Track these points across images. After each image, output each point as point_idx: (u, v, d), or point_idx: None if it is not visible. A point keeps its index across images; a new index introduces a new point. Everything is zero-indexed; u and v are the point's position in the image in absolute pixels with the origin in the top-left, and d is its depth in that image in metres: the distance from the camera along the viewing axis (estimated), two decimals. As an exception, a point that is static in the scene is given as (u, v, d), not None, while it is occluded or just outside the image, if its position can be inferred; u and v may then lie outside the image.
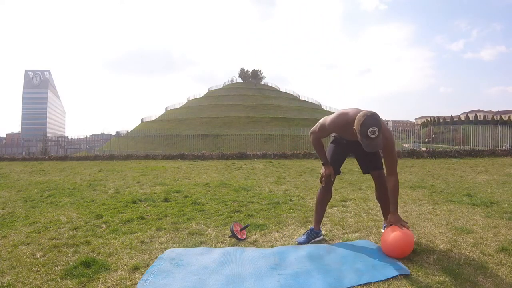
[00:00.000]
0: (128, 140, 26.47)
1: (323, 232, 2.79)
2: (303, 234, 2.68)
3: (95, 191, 5.18)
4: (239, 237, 2.68)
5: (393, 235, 2.26)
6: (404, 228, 2.29)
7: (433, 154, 11.40)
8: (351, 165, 8.63)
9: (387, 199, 2.68)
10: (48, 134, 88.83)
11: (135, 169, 8.72)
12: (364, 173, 2.77)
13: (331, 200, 3.97)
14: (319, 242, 2.61)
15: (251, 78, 61.47)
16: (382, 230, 2.78)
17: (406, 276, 1.95)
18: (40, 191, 5.24)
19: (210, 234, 2.85)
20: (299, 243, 2.57)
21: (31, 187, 5.73)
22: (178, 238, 2.77)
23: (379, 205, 3.82)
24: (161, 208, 3.84)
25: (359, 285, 1.90)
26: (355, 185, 5.26)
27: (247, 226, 2.86)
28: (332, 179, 2.67)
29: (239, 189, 4.98)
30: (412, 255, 2.26)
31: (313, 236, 2.63)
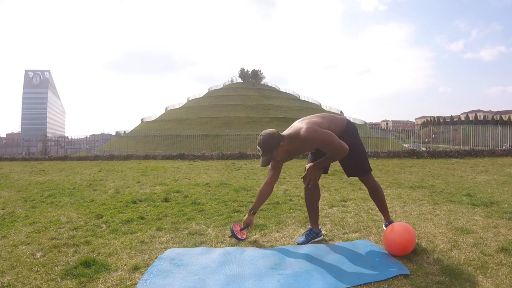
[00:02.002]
0: (128, 140, 26.48)
1: (323, 232, 2.79)
2: (303, 235, 2.67)
3: (95, 191, 5.18)
4: (239, 237, 2.67)
5: (395, 231, 2.28)
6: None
7: (433, 154, 11.41)
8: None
9: (380, 200, 2.70)
10: (48, 134, 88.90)
11: (135, 169, 8.72)
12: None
13: (331, 200, 3.98)
14: (319, 242, 2.61)
15: (251, 78, 61.51)
16: (384, 228, 2.78)
17: (406, 276, 1.95)
18: (40, 191, 5.24)
19: (210, 234, 2.85)
20: (299, 244, 2.57)
21: (31, 187, 5.73)
22: (178, 238, 2.77)
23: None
24: (161, 208, 3.84)
25: (359, 285, 1.90)
26: (355, 185, 5.26)
27: (247, 226, 2.86)
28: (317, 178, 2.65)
29: (239, 189, 4.98)
30: (412, 255, 2.26)
31: (312, 236, 2.63)
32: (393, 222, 2.66)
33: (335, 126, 2.48)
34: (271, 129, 2.46)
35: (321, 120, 2.49)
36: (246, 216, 2.69)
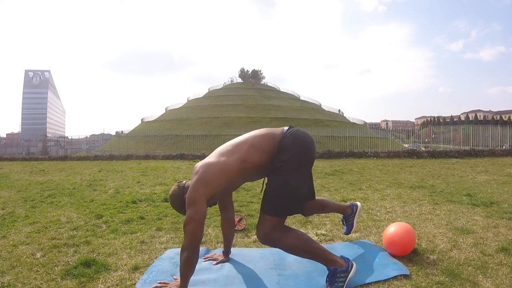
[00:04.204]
0: (128, 140, 26.46)
1: (323, 232, 2.79)
2: (344, 226, 2.66)
3: (95, 191, 5.18)
4: (239, 228, 2.84)
5: (395, 231, 2.28)
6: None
7: (433, 154, 11.40)
8: (351, 165, 8.62)
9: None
10: (48, 134, 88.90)
11: (135, 169, 8.71)
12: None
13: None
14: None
15: (251, 78, 61.47)
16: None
17: (406, 276, 1.95)
18: (40, 191, 5.24)
19: (210, 234, 2.85)
20: (346, 234, 2.62)
21: (31, 187, 5.73)
22: (178, 238, 2.77)
23: (379, 204, 3.83)
24: (161, 208, 3.84)
25: (359, 285, 1.90)
26: (355, 185, 5.26)
27: (242, 219, 2.97)
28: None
29: (239, 189, 4.98)
30: (412, 255, 2.26)
31: (349, 219, 2.59)
32: None
33: (260, 152, 1.87)
34: (174, 187, 2.05)
35: (230, 152, 1.90)
36: None
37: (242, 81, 60.40)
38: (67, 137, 44.14)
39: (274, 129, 1.99)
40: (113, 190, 5.22)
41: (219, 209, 2.28)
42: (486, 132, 16.13)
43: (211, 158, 1.93)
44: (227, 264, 2.21)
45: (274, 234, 1.84)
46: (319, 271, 2.09)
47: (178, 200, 1.98)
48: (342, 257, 1.91)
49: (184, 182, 2.06)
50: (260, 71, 65.36)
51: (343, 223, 2.66)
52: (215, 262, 2.25)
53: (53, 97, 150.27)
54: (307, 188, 1.98)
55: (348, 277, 1.84)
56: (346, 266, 1.85)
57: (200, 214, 1.77)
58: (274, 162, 1.87)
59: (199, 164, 1.95)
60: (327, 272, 1.85)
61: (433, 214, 3.34)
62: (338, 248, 2.46)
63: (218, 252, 2.41)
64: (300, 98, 49.71)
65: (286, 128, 1.97)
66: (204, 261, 2.29)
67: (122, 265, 2.20)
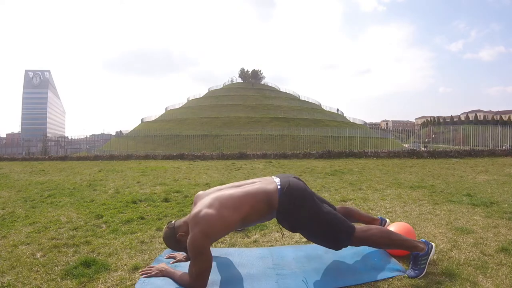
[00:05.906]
0: (128, 140, 26.48)
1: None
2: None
3: (95, 191, 5.18)
4: (240, 228, 2.78)
5: (395, 231, 2.27)
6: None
7: (433, 154, 11.40)
8: (351, 165, 8.62)
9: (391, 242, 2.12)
10: (48, 134, 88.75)
11: (135, 169, 8.71)
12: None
13: (331, 200, 3.98)
14: None
15: (251, 78, 61.45)
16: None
17: (406, 276, 1.95)
18: (40, 191, 5.24)
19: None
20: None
21: (31, 187, 5.73)
22: (178, 238, 2.76)
23: (379, 204, 3.83)
24: (161, 208, 3.84)
25: (359, 284, 1.90)
26: (355, 185, 5.26)
27: None
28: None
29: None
30: (412, 255, 2.25)
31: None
32: (431, 244, 2.09)
33: (258, 214, 2.01)
34: (165, 228, 2.10)
35: (232, 208, 1.94)
36: None
37: (242, 81, 60.40)
38: (67, 137, 44.17)
39: (267, 188, 2.03)
40: (113, 190, 5.22)
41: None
42: (486, 132, 16.15)
43: (212, 208, 1.92)
44: (226, 264, 2.21)
45: (358, 243, 2.12)
46: (318, 270, 2.09)
47: (172, 241, 2.06)
48: (421, 240, 2.08)
49: (173, 222, 2.11)
50: (260, 71, 65.38)
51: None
52: (172, 261, 2.28)
53: (53, 97, 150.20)
54: (328, 208, 2.12)
55: (429, 258, 2.01)
56: (426, 249, 2.02)
57: (209, 263, 1.89)
58: (288, 221, 2.04)
59: (201, 212, 1.91)
60: (326, 272, 1.85)
61: (433, 214, 3.34)
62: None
63: (217, 251, 2.41)
64: (300, 98, 49.72)
65: (278, 184, 2.04)
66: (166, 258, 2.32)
67: (122, 265, 2.20)
